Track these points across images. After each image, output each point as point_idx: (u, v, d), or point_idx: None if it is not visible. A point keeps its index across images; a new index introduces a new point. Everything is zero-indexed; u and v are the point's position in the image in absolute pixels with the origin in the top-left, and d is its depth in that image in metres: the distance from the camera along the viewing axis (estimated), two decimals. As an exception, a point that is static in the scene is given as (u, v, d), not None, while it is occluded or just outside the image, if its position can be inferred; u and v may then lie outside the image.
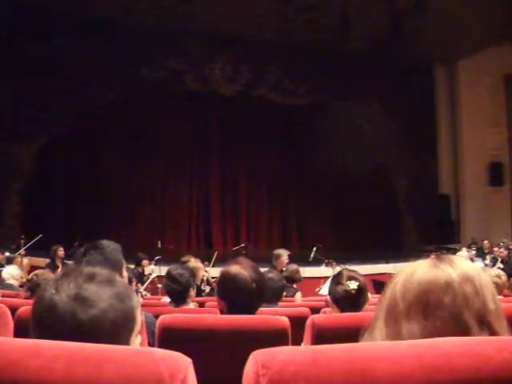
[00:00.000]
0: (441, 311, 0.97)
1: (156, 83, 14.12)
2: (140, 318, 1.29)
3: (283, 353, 0.85)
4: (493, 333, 0.95)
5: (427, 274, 1.05)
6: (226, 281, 2.51)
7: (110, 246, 2.50)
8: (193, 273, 3.87)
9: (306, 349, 0.85)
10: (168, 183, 15.60)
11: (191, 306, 3.60)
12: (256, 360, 0.86)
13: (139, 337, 1.31)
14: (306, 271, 10.20)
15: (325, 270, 9.38)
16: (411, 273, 1.07)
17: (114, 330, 1.18)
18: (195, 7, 12.70)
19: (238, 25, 13.52)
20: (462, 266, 1.05)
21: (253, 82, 15.28)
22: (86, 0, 12.11)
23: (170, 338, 2.42)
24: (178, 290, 3.59)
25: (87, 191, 13.95)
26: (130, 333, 1.23)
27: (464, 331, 0.94)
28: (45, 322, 1.16)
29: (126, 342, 1.22)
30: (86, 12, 12.55)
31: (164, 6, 12.64)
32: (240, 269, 2.47)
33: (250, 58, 14.86)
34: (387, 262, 11.51)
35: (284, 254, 6.94)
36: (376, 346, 0.84)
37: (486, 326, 0.96)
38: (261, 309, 2.63)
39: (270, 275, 4.04)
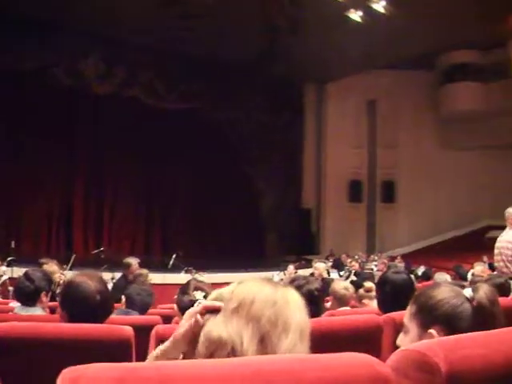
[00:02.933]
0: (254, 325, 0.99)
1: (26, 74, 13.28)
2: None
3: (91, 370, 0.81)
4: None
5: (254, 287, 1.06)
6: (68, 290, 2.37)
7: None
8: (49, 278, 3.65)
9: (116, 366, 0.81)
10: (27, 181, 14.59)
11: (40, 311, 3.39)
12: (63, 378, 0.81)
13: None
14: (167, 278, 10.15)
15: (184, 277, 9.35)
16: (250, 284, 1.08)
17: None
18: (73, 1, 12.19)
19: (116, 23, 13.15)
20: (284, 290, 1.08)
21: (126, 82, 14.92)
22: None
23: (4, 347, 2.25)
24: (26, 291, 3.37)
25: None
26: None
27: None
28: None
29: None
30: None
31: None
32: (85, 279, 2.35)
33: (125, 58, 14.52)
34: (247, 271, 11.73)
35: (133, 262, 6.78)
36: (187, 365, 0.83)
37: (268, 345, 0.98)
38: (111, 317, 2.54)
39: (144, 288, 3.94)
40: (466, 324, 1.44)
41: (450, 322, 1.45)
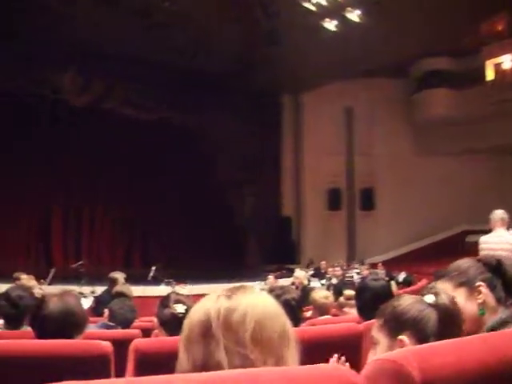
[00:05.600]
0: (210, 340, 0.98)
1: (4, 89, 13.14)
2: None
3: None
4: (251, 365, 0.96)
5: (208, 303, 1.04)
6: (36, 308, 2.38)
7: None
8: (33, 296, 3.60)
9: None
10: (5, 195, 14.38)
11: (27, 328, 3.33)
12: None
13: None
14: (147, 290, 10.06)
15: (165, 289, 9.29)
16: (203, 301, 1.06)
17: None
18: (48, 14, 12.09)
19: (92, 35, 13.08)
20: (238, 297, 1.04)
21: (104, 94, 14.87)
22: None
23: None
24: (13, 314, 3.32)
25: None
26: None
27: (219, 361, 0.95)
28: None
29: None
30: None
31: (16, 9, 11.82)
32: (54, 297, 2.34)
33: (102, 69, 14.44)
34: (228, 282, 11.69)
35: (120, 277, 6.75)
36: (160, 380, 0.82)
37: (243, 357, 0.96)
38: (88, 331, 2.52)
39: (127, 303, 3.94)
40: (433, 327, 1.49)
41: (417, 327, 1.49)
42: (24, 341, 2.29)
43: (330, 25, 13.83)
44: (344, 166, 19.19)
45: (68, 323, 2.29)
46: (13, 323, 3.34)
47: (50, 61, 13.58)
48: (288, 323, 1.05)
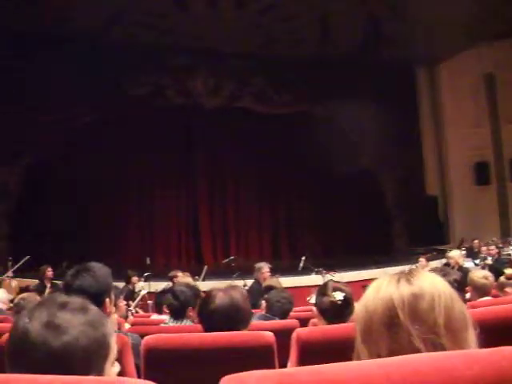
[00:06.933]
0: (398, 330, 0.96)
1: (139, 99, 14.06)
2: (115, 345, 1.27)
3: (251, 378, 0.84)
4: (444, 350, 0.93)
5: (388, 291, 1.02)
6: (202, 302, 2.51)
7: (101, 269, 2.46)
8: (196, 292, 3.86)
9: (273, 373, 0.83)
10: (155, 199, 15.48)
11: (189, 323, 3.57)
12: (225, 386, 0.85)
13: (117, 365, 1.29)
14: (297, 281, 10.22)
15: (315, 279, 9.35)
16: (377, 290, 1.05)
17: (87, 357, 1.16)
18: (174, 21, 12.71)
19: (217, 37, 13.55)
20: (419, 282, 1.02)
21: (236, 93, 15.29)
22: (60, 17, 11.94)
23: (155, 358, 2.39)
24: (175, 306, 3.63)
25: (74, 211, 13.81)
26: (103, 360, 1.21)
27: (414, 350, 0.92)
28: (19, 350, 1.15)
29: (100, 370, 1.19)
30: (60, 29, 12.37)
31: (143, 20, 12.60)
32: (221, 292, 2.45)
33: (231, 69, 14.90)
34: (377, 267, 11.52)
35: (265, 266, 6.96)
36: (344, 367, 0.83)
37: (436, 344, 0.94)
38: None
39: (284, 295, 4.11)
40: None
41: None
42: (196, 334, 2.43)
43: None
44: (490, 137, 17.99)
45: (234, 316, 2.39)
46: (177, 316, 3.62)
47: (180, 66, 14.30)
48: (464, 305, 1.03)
